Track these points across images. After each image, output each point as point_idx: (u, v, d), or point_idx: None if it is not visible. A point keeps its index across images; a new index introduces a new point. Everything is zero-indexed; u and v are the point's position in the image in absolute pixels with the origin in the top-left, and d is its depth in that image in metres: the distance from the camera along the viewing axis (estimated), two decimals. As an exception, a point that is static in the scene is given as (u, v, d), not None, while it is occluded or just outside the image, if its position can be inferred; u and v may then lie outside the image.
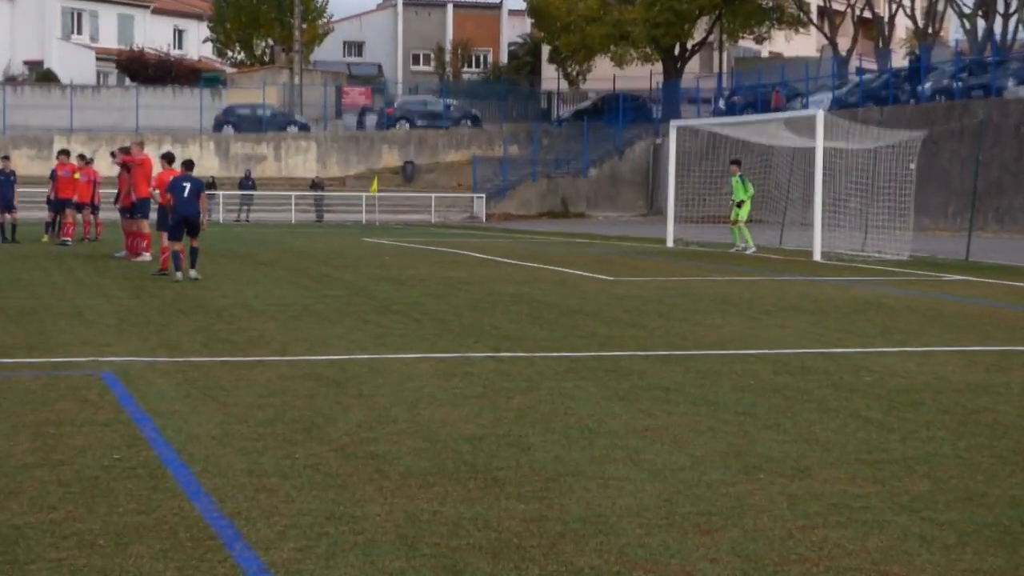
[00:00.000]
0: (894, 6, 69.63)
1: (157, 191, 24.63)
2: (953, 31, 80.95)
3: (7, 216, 35.03)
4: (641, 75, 78.55)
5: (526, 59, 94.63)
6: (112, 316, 16.81)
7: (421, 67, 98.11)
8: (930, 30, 67.97)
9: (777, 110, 55.96)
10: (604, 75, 79.06)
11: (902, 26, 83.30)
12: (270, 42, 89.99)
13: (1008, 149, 46.79)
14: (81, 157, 37.03)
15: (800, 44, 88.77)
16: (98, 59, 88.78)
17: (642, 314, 17.83)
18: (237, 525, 6.92)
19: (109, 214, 36.74)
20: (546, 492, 7.72)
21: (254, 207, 63.20)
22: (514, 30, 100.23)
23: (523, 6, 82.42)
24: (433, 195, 65.75)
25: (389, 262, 29.04)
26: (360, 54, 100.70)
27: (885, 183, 34.51)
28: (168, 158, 25.19)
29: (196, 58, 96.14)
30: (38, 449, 8.72)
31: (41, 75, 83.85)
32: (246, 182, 63.57)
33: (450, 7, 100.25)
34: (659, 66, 76.15)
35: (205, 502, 7.39)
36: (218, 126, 71.80)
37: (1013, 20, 63.14)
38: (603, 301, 19.70)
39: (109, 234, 36.25)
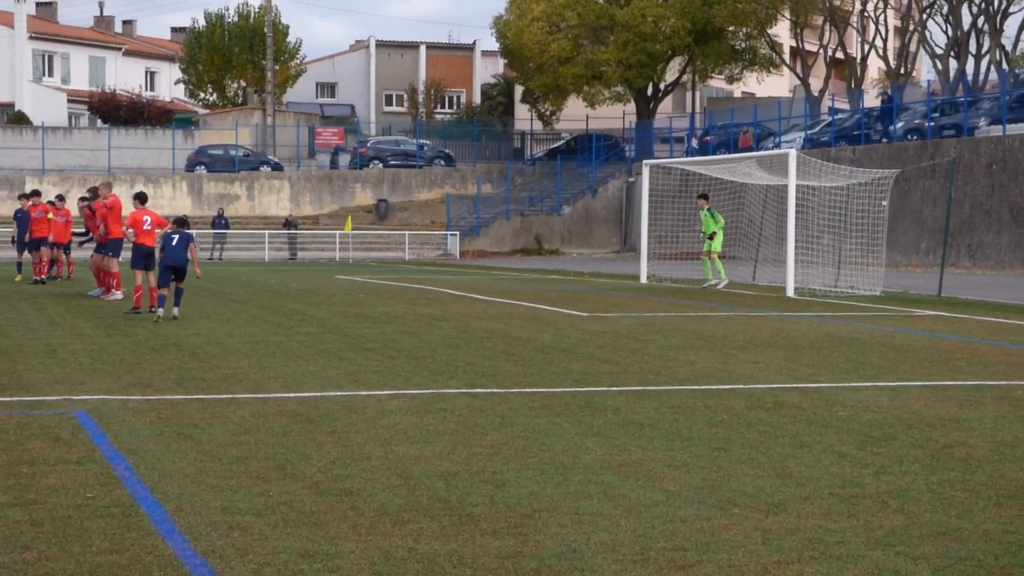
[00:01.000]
0: (866, 47, 70.12)
1: (131, 230, 24.61)
2: (925, 72, 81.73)
3: (26, 254, 35.58)
4: (614, 115, 78.90)
5: (499, 99, 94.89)
6: (85, 355, 16.75)
7: (394, 108, 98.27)
8: (902, 71, 68.46)
9: (746, 151, 56.27)
10: (577, 115, 79.37)
11: (874, 66, 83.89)
12: (242, 83, 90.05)
13: (980, 187, 47.10)
14: (60, 198, 37.04)
15: (773, 84, 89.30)
16: (70, 101, 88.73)
17: (616, 350, 17.84)
18: (211, 563, 6.89)
19: (81, 253, 36.67)
20: (521, 528, 7.71)
21: (228, 245, 63.14)
22: (487, 71, 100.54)
23: (496, 47, 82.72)
24: (407, 232, 65.81)
25: (363, 299, 29.00)
26: (333, 95, 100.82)
27: (858, 220, 34.69)
28: (140, 198, 25.20)
29: (168, 99, 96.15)
30: (10, 488, 8.67)
31: (13, 117, 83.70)
32: (219, 220, 63.52)
33: (423, 48, 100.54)
34: (632, 106, 76.51)
35: (179, 540, 7.35)
36: (191, 166, 71.78)
37: (985, 61, 63.66)
38: (577, 337, 19.72)
39: (80, 272, 36.12)
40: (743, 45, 74.50)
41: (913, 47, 69.83)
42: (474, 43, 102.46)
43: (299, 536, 7.48)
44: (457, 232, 66.42)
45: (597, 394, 13.47)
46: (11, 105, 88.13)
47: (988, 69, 63.72)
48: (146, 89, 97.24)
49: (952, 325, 22.79)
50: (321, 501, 8.38)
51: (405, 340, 19.13)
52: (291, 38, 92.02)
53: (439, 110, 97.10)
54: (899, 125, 54.16)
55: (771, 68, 76.38)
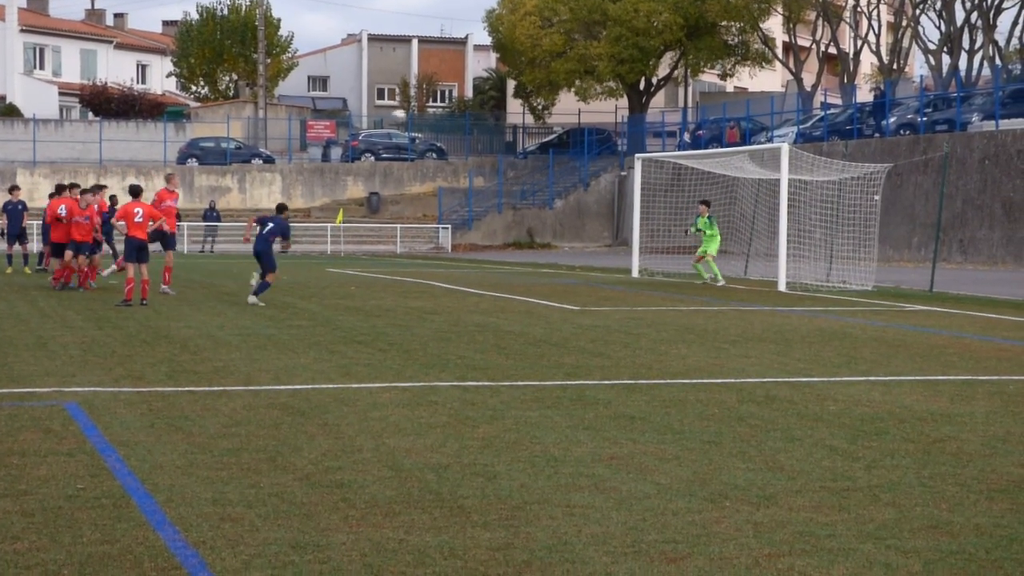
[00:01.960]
0: (859, 42, 70.15)
1: (123, 223, 24.57)
2: (918, 67, 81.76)
3: (16, 247, 34.99)
4: (606, 109, 78.89)
5: (491, 93, 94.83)
6: (76, 347, 16.72)
7: (386, 101, 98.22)
8: (895, 66, 68.48)
9: (732, 146, 56.38)
10: (569, 109, 79.36)
11: (867, 62, 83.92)
12: (234, 77, 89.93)
13: (972, 182, 47.15)
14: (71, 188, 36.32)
15: (765, 79, 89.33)
16: (61, 94, 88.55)
17: (608, 344, 17.85)
18: (202, 554, 6.88)
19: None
20: (512, 520, 7.71)
21: (219, 238, 63.08)
22: (479, 65, 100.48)
23: (488, 41, 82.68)
24: (399, 226, 65.77)
25: (354, 292, 28.99)
26: (325, 89, 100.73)
27: (850, 215, 34.71)
28: (133, 191, 25.13)
29: (160, 92, 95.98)
30: (1, 479, 8.66)
31: (4, 109, 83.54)
32: (210, 213, 63.44)
33: (415, 42, 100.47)
34: (624, 100, 76.49)
35: (170, 532, 7.35)
36: (182, 159, 71.67)
37: (978, 56, 63.73)
38: (569, 331, 19.72)
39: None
40: (736, 40, 74.49)
41: (906, 43, 69.86)
42: (466, 37, 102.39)
43: (290, 527, 7.48)
44: (449, 225, 66.37)
45: (588, 387, 13.47)
46: (2, 98, 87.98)
47: (981, 64, 63.77)
48: (137, 82, 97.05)
49: (944, 320, 22.81)
50: (312, 493, 8.37)
51: (396, 333, 19.12)
52: (283, 31, 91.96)
53: (431, 104, 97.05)
54: (892, 120, 54.22)
55: (764, 63, 76.40)
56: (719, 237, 34.21)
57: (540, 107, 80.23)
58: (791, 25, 73.20)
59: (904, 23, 68.50)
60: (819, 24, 72.08)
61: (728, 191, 41.01)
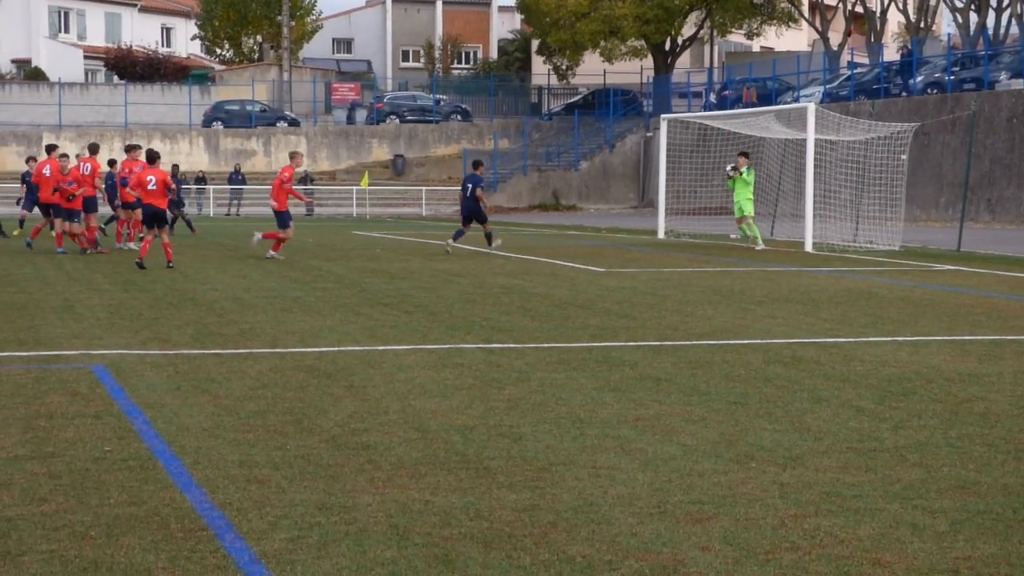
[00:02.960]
0: (886, 0, 69.64)
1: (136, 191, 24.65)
2: (945, 25, 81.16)
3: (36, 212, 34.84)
4: (632, 70, 78.56)
5: (516, 55, 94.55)
6: (103, 310, 16.78)
7: (411, 63, 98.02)
8: (922, 24, 67.99)
9: (748, 106, 56.04)
10: (595, 70, 79.04)
11: (894, 20, 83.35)
12: (259, 39, 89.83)
13: (1000, 141, 46.84)
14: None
15: (791, 39, 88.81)
16: (86, 57, 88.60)
17: (633, 305, 17.82)
18: (228, 516, 6.90)
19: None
20: (538, 482, 7.71)
21: (245, 201, 63.20)
22: (504, 26, 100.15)
23: (513, 2, 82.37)
24: (424, 188, 65.74)
25: (380, 255, 29.01)
26: (349, 51, 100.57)
27: (876, 174, 34.53)
28: (149, 156, 24.92)
29: (184, 56, 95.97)
30: (29, 442, 8.70)
31: (29, 73, 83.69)
32: (236, 176, 63.58)
33: (439, 4, 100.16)
34: (650, 61, 76.13)
35: (196, 493, 7.37)
36: (207, 122, 71.74)
37: (1006, 14, 63.18)
38: (594, 293, 19.69)
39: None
40: (762, -1, 74.04)
41: (933, 0, 69.29)
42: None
43: (316, 489, 7.49)
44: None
45: (614, 349, 13.45)
46: (28, 61, 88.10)
47: (1009, 22, 63.25)
48: (162, 45, 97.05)
49: (971, 280, 22.70)
50: (338, 455, 8.39)
51: (422, 296, 19.13)
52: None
53: (456, 66, 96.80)
54: (919, 79, 53.86)
55: (790, 22, 75.93)
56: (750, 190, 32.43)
57: (565, 68, 79.93)
58: (818, -16, 72.65)
59: (931, -19, 67.94)
60: (846, -18, 71.55)
61: (754, 151, 40.77)
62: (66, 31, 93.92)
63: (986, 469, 8.10)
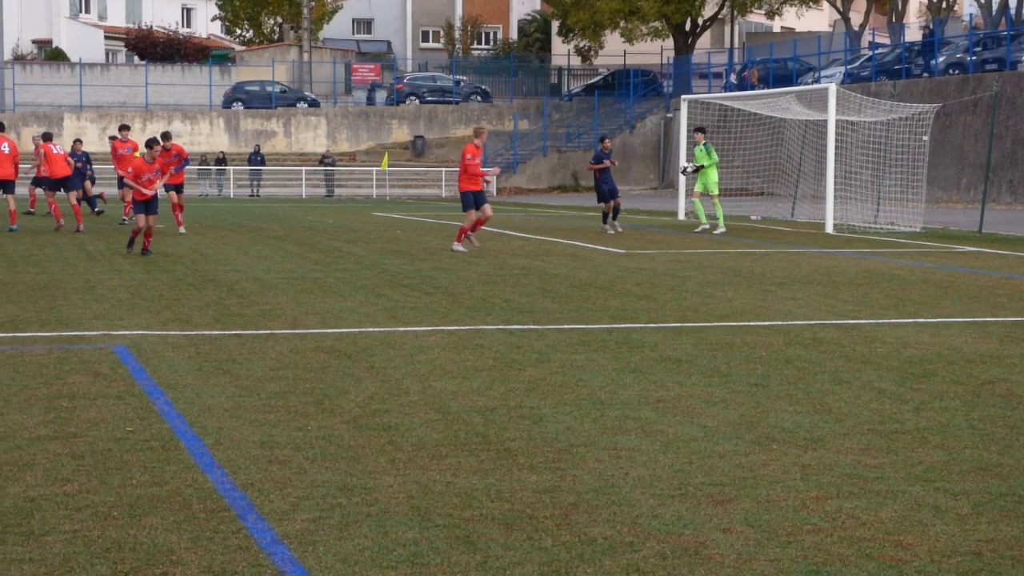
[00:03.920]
0: (907, -21, 69.23)
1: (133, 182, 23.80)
2: (967, 5, 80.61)
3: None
4: (652, 50, 78.30)
5: (536, 35, 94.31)
6: (124, 290, 16.82)
7: (431, 44, 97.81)
8: (944, 4, 67.64)
9: (752, 87, 55.75)
10: (615, 50, 78.81)
11: (915, 1, 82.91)
12: (279, 20, 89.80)
13: (1022, 121, 46.61)
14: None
15: (812, 19, 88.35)
16: (106, 38, 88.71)
17: (653, 287, 17.80)
18: (250, 496, 6.92)
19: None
20: (558, 463, 7.71)
21: (265, 182, 63.30)
22: (524, 6, 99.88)
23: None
24: (443, 169, 65.70)
25: (400, 236, 29.02)
26: (369, 32, 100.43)
27: (898, 155, 34.41)
28: (149, 144, 23.24)
29: (205, 36, 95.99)
30: (51, 422, 8.73)
31: (50, 53, 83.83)
32: (255, 157, 63.67)
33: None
34: (670, 41, 75.89)
35: (218, 474, 7.39)
36: (227, 103, 71.79)
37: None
38: (614, 274, 19.68)
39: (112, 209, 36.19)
40: (783, -21, 73.67)
41: (955, -19, 68.88)
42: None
43: (337, 470, 7.51)
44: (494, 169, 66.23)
45: (634, 331, 13.44)
46: (48, 42, 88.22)
47: (1031, 2, 62.86)
48: (183, 26, 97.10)
49: (993, 261, 22.62)
50: (359, 435, 8.40)
51: (442, 277, 19.14)
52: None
53: (476, 46, 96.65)
54: (940, 59, 53.61)
55: (811, 2, 75.55)
56: (715, 169, 31.63)
57: (585, 49, 79.73)
58: (839, -37, 72.33)
59: (954, -39, 67.57)
60: (867, -38, 71.16)
61: (775, 132, 40.71)
62: (86, 11, 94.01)
63: (1008, 451, 8.08)
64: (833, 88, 32.52)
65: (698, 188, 32.03)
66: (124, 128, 33.37)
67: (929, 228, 31.44)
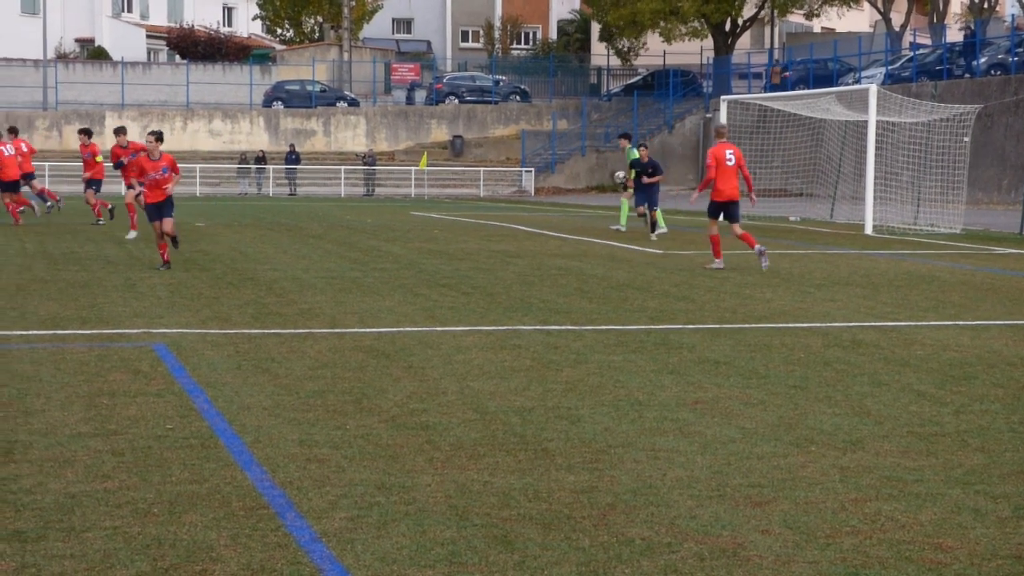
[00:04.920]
0: (948, -20, 68.82)
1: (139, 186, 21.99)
2: (1009, 6, 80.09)
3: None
4: (692, 51, 78.11)
5: (576, 35, 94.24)
6: (163, 289, 16.91)
7: (470, 44, 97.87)
8: (985, 5, 67.22)
9: (776, 88, 55.40)
10: (654, 51, 78.67)
11: (957, 1, 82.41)
12: (319, 19, 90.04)
13: (1063, 123, 46.27)
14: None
15: (853, 19, 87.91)
16: (148, 36, 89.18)
17: (692, 288, 17.77)
18: (289, 494, 6.95)
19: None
20: (596, 463, 7.71)
21: (304, 181, 63.52)
22: (563, 6, 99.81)
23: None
24: (482, 169, 65.75)
25: (438, 236, 29.05)
26: (409, 31, 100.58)
27: (938, 156, 34.23)
28: (158, 136, 19.98)
29: (245, 35, 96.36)
30: (92, 419, 8.79)
31: (93, 52, 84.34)
32: (291, 156, 63.93)
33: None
34: (710, 41, 75.70)
35: (257, 472, 7.43)
36: (268, 102, 72.06)
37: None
38: (652, 275, 19.65)
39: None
40: (823, -20, 73.35)
41: (997, -19, 68.45)
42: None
43: (376, 469, 7.53)
44: (532, 169, 66.25)
45: (672, 332, 13.42)
46: (91, 41, 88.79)
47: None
48: (224, 25, 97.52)
49: (1034, 264, 22.45)
50: (397, 435, 8.42)
51: (480, 277, 19.15)
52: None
53: (515, 46, 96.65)
54: (982, 60, 53.29)
55: (851, 3, 75.21)
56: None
57: (624, 49, 79.61)
58: (880, -36, 71.96)
59: (996, -39, 67.11)
60: (909, -38, 70.77)
61: (814, 133, 40.55)
62: (129, 10, 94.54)
63: (1049, 455, 8.03)
64: (874, 89, 32.37)
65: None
66: (120, 131, 29.24)
67: (969, 230, 31.25)
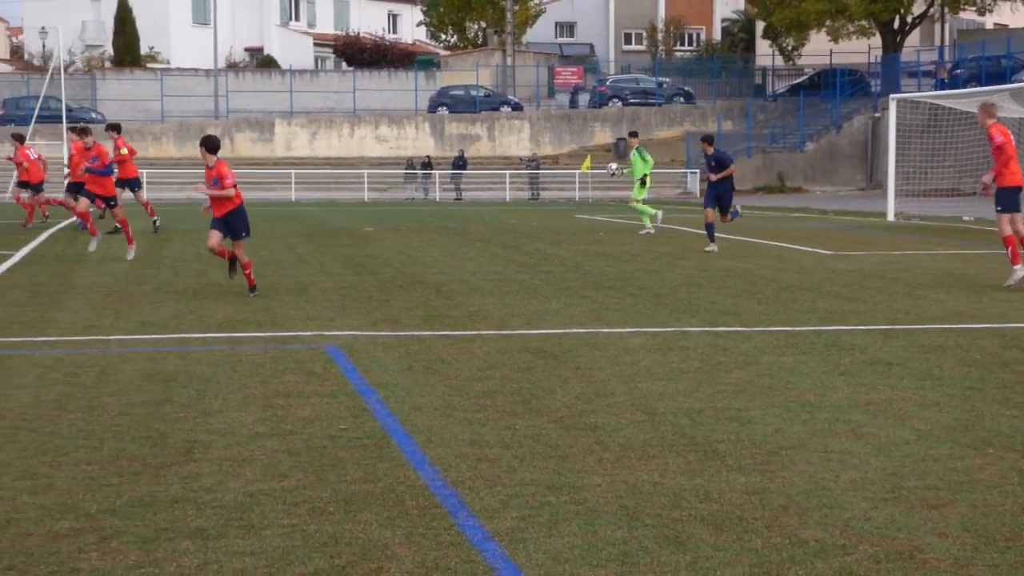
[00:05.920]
0: None
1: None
2: None
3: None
4: (859, 49, 76.95)
5: (740, 36, 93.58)
6: (335, 292, 17.18)
7: (633, 46, 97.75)
8: None
9: (943, 83, 54.11)
10: (820, 50, 77.67)
11: None
12: (482, 25, 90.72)
13: None
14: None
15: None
16: (315, 44, 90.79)
17: (862, 288, 17.51)
18: (461, 494, 7.02)
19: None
20: (767, 465, 7.66)
21: (469, 185, 64.04)
22: (727, 7, 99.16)
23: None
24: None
25: (603, 238, 29.05)
26: (572, 35, 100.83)
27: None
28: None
29: (410, 42, 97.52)
30: (268, 419, 8.98)
31: (261, 61, 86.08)
32: (458, 161, 64.49)
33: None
34: (877, 39, 74.51)
35: (429, 471, 7.52)
36: (433, 107, 72.79)
37: None
38: (821, 276, 19.42)
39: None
40: (996, -27, 71.74)
41: None
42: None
43: (546, 469, 7.57)
44: (697, 170, 65.84)
45: (843, 333, 13.25)
46: (260, 49, 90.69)
47: None
48: (389, 32, 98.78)
49: None
50: (567, 435, 8.45)
51: (646, 278, 19.11)
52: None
53: (678, 48, 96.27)
54: None
55: (1026, -4, 73.45)
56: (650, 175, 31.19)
57: (790, 48, 78.78)
58: (1056, -44, 70.15)
59: None
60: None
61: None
62: (296, 19, 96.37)
63: None
64: (1049, 85, 31.58)
65: (636, 195, 31.40)
66: (83, 131, 26.73)
67: None
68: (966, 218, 34.40)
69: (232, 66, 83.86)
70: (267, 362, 11.39)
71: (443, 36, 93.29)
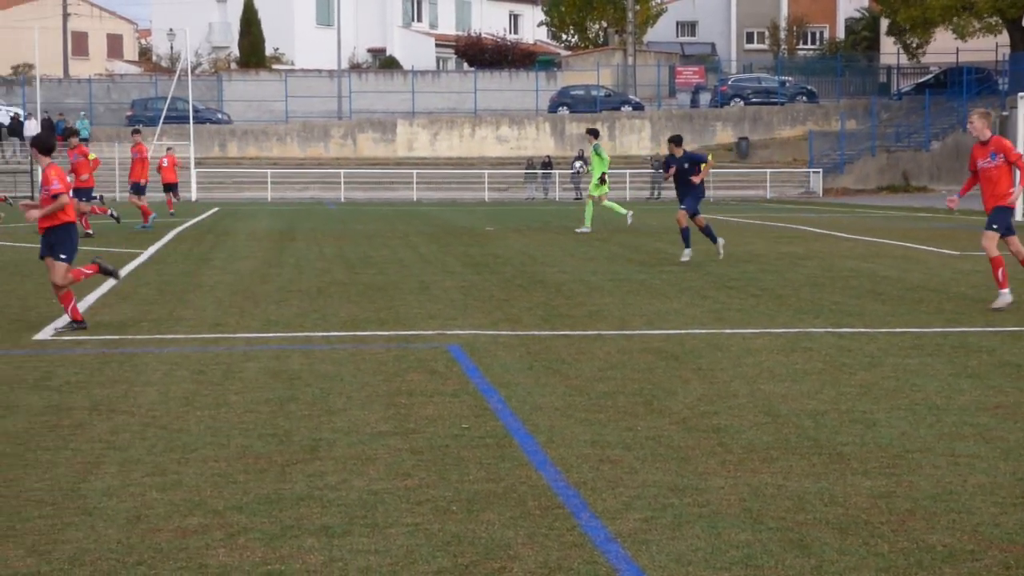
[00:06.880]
0: None
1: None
2: None
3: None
4: (986, 47, 75.65)
5: (864, 34, 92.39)
6: (456, 291, 17.27)
7: (755, 45, 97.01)
8: None
9: None
10: (946, 48, 76.50)
11: None
12: (603, 24, 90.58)
13: None
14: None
15: None
16: (437, 45, 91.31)
17: (990, 289, 17.17)
18: (583, 494, 7.03)
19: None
20: (893, 468, 7.56)
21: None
22: (851, 4, 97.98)
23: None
24: (768, 170, 65.03)
25: (723, 238, 28.80)
26: (693, 34, 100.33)
27: None
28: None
29: (531, 42, 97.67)
30: (391, 418, 9.05)
31: (384, 62, 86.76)
32: (577, 161, 64.50)
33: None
34: (1005, 37, 73.17)
35: (551, 472, 7.53)
36: (553, 107, 72.83)
37: None
38: (948, 276, 19.13)
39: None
40: None
41: None
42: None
43: (668, 470, 7.55)
44: (820, 169, 65.21)
45: (971, 334, 13.04)
46: (383, 50, 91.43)
47: None
48: (510, 32, 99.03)
49: None
50: (688, 437, 8.42)
51: (768, 279, 18.96)
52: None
53: (801, 46, 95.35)
54: None
55: None
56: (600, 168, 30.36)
57: (915, 46, 77.65)
58: None
59: None
60: None
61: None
62: (418, 20, 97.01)
63: None
64: None
65: (594, 191, 31.00)
66: (71, 133, 29.79)
67: None
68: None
69: (355, 67, 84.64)
70: (390, 361, 11.49)
71: (564, 36, 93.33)
